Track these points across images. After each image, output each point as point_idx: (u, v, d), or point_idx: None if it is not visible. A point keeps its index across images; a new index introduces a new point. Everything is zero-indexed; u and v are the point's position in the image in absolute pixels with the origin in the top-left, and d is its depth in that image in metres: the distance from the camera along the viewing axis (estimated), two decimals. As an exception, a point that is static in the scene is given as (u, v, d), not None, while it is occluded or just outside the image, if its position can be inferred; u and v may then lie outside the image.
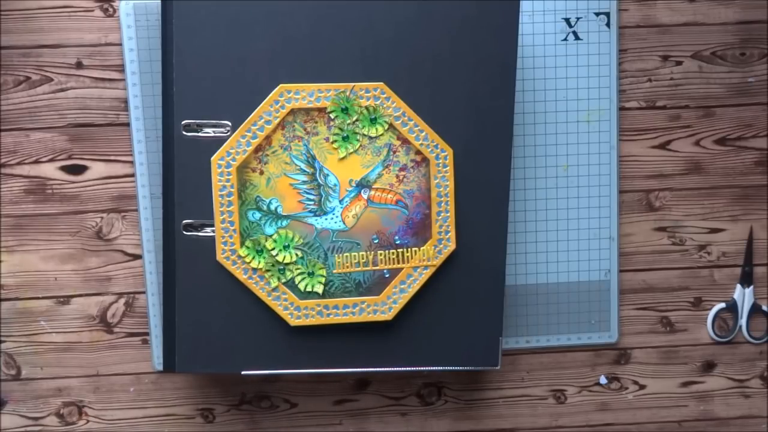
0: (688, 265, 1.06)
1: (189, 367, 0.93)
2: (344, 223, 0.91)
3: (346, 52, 0.89)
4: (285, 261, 0.90)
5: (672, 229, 1.05)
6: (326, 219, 0.91)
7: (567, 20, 0.99)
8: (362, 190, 0.91)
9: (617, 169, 1.02)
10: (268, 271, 0.91)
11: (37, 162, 0.98)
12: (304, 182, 0.90)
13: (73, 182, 0.99)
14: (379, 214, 0.91)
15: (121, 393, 1.03)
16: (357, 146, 0.90)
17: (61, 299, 1.01)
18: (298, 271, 0.91)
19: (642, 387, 1.08)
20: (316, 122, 0.89)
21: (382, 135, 0.90)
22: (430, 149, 0.90)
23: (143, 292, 1.01)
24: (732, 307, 1.06)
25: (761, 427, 1.09)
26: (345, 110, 0.89)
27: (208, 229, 0.90)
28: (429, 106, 0.90)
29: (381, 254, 0.92)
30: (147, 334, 1.02)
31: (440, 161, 0.91)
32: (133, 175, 0.99)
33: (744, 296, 1.06)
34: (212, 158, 0.89)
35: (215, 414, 1.04)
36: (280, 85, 0.88)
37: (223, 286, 0.91)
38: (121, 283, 1.01)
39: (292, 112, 0.89)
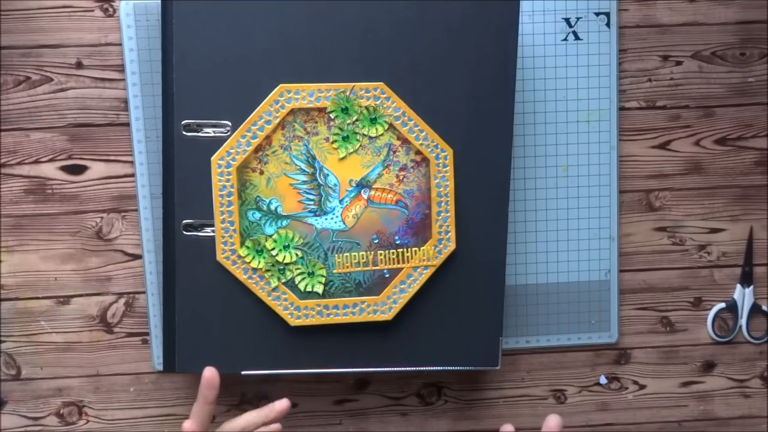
0: (688, 265, 1.06)
1: (189, 367, 0.93)
2: (344, 223, 0.91)
3: (346, 52, 0.89)
4: (285, 261, 0.90)
5: (672, 229, 1.05)
6: (326, 219, 0.91)
7: (567, 20, 0.99)
8: (362, 190, 0.91)
9: (617, 169, 1.02)
10: (268, 271, 0.91)
11: (37, 162, 0.98)
12: (304, 182, 0.90)
13: (73, 182, 0.99)
14: (379, 214, 0.91)
15: (121, 393, 1.03)
16: (357, 146, 0.90)
17: (61, 299, 1.01)
18: (298, 271, 0.91)
19: (642, 387, 1.08)
20: (316, 122, 0.89)
21: (382, 135, 0.90)
22: (430, 149, 0.90)
23: (143, 292, 1.01)
24: (732, 307, 1.06)
25: (761, 427, 1.09)
26: (345, 110, 0.89)
27: (208, 229, 0.90)
28: (429, 106, 0.90)
29: (381, 254, 0.92)
30: (147, 334, 1.02)
31: (440, 161, 0.91)
32: (133, 175, 0.99)
33: (744, 296, 1.06)
34: (212, 158, 0.89)
35: (215, 414, 1.04)
36: (280, 85, 0.88)
37: (223, 286, 0.91)
38: (121, 283, 1.01)
39: (292, 112, 0.89)
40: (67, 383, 1.02)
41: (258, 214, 0.90)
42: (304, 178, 0.90)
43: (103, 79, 0.97)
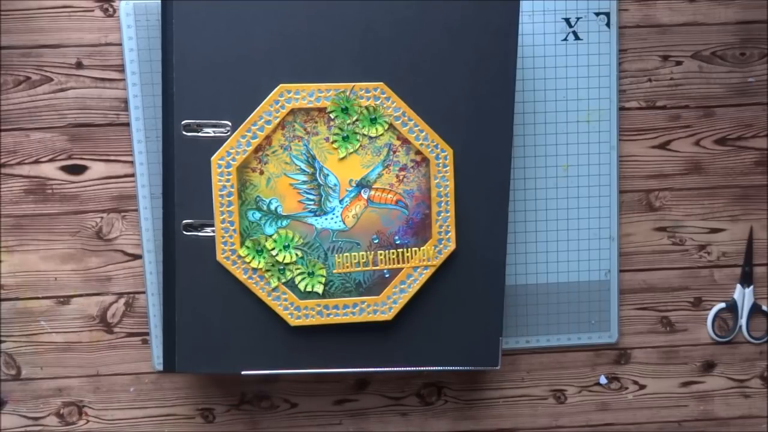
0: (688, 265, 1.06)
1: (189, 367, 0.93)
2: (344, 223, 0.91)
3: (345, 52, 0.89)
4: (285, 261, 0.90)
5: (672, 229, 1.05)
6: (326, 219, 0.91)
7: (567, 20, 0.99)
8: (362, 190, 0.91)
9: (617, 169, 1.02)
10: (268, 271, 0.91)
11: (37, 162, 0.98)
12: (304, 182, 0.90)
13: (73, 182, 0.99)
14: (379, 214, 0.91)
15: (121, 393, 1.03)
16: (357, 146, 0.90)
17: (61, 299, 1.01)
18: (298, 271, 0.91)
19: (642, 387, 1.08)
20: (316, 122, 0.89)
21: (382, 135, 0.90)
22: (430, 149, 0.90)
23: (143, 292, 1.01)
24: (732, 307, 1.06)
25: (761, 427, 1.09)
26: (345, 110, 0.89)
27: (208, 229, 0.90)
28: (429, 106, 0.90)
29: (381, 254, 0.92)
30: (147, 334, 1.02)
31: (440, 161, 0.91)
32: (133, 175, 0.99)
33: (744, 296, 1.06)
34: (212, 158, 0.89)
35: (215, 414, 1.04)
36: (280, 85, 0.88)
37: (223, 286, 0.91)
38: (121, 283, 1.01)
39: (292, 112, 0.89)
40: (67, 383, 1.02)
41: (258, 214, 0.90)
42: (304, 178, 0.90)
43: (103, 79, 0.97)
